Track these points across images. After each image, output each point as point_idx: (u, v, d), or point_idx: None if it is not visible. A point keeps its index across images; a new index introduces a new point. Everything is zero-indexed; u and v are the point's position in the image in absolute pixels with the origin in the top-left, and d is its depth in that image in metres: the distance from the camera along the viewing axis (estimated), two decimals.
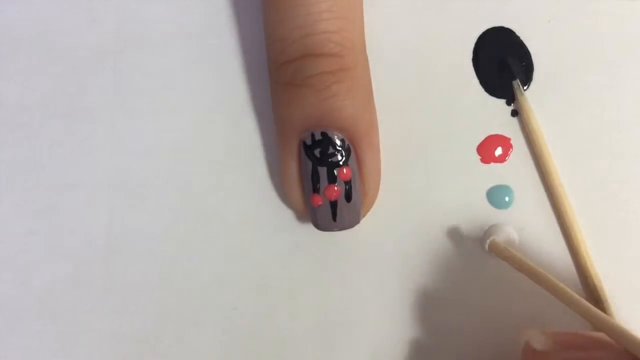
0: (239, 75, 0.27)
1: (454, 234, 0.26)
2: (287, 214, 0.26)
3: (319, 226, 0.25)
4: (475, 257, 0.26)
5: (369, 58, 0.25)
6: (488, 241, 0.25)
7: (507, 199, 0.26)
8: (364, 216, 0.25)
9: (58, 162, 0.27)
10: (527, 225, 0.26)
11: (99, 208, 0.26)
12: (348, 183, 0.24)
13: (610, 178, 0.26)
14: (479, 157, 0.27)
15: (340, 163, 0.24)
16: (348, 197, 0.24)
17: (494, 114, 0.27)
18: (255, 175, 0.27)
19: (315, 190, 0.24)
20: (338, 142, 0.24)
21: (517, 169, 0.27)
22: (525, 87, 0.27)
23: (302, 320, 0.26)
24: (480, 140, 0.27)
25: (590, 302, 0.26)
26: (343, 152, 0.24)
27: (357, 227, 0.25)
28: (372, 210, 0.26)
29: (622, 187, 0.26)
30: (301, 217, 0.26)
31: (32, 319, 0.26)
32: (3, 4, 0.27)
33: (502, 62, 0.27)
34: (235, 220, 0.26)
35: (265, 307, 0.26)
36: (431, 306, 0.26)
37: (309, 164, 0.24)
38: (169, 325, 0.26)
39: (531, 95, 0.27)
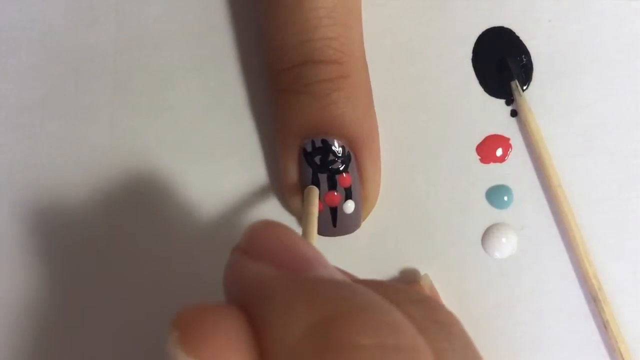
0: (239, 75, 0.27)
1: (454, 234, 0.26)
2: (287, 214, 0.26)
3: (320, 232, 0.25)
4: (475, 257, 0.26)
5: (369, 59, 0.25)
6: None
7: (506, 198, 0.26)
8: (363, 220, 0.25)
9: (58, 162, 0.27)
10: (527, 224, 0.26)
11: (99, 207, 0.26)
12: (348, 189, 0.24)
13: (609, 178, 0.26)
14: (479, 157, 0.27)
15: (341, 169, 0.24)
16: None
17: (493, 114, 0.27)
18: (256, 176, 0.27)
19: None
20: (338, 149, 0.24)
21: (516, 169, 0.27)
22: (524, 87, 0.27)
23: None
24: (479, 140, 0.27)
25: (590, 301, 0.26)
26: (343, 158, 0.24)
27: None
28: (372, 210, 0.26)
29: (621, 187, 0.26)
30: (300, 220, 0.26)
31: (32, 319, 0.26)
32: (3, 4, 0.27)
33: (501, 62, 0.27)
34: (235, 220, 0.26)
35: None
36: None
37: (309, 171, 0.24)
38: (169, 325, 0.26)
39: (531, 95, 0.27)
